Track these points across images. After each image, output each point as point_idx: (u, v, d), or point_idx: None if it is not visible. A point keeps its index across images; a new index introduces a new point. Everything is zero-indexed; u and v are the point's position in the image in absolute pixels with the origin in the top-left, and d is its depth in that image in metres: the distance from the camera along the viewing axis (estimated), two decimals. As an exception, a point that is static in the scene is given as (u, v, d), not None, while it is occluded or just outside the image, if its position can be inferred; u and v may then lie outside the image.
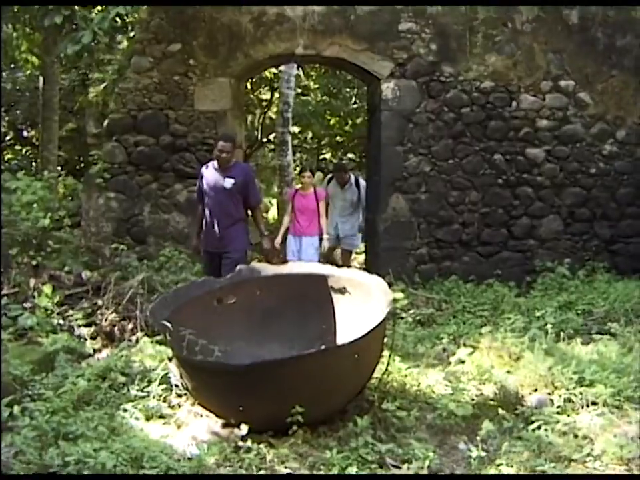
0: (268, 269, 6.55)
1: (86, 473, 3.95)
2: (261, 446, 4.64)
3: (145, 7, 9.57)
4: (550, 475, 4.31)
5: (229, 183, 7.62)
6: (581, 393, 5.46)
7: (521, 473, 4.36)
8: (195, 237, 8.22)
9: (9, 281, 7.92)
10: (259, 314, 6.21)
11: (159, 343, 6.19)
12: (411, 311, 8.59)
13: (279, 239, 9.65)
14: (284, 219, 10.23)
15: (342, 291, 6.15)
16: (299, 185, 10.06)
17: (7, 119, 19.83)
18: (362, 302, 5.87)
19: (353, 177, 10.83)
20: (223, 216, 7.67)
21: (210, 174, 7.80)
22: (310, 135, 20.57)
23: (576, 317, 7.97)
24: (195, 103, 9.65)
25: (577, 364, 5.91)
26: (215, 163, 7.79)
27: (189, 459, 4.46)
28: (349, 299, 6.09)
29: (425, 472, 4.23)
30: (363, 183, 10.77)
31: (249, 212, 7.98)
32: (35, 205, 8.75)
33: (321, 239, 9.77)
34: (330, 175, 11.52)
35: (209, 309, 6.06)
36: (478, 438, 4.78)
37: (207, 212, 7.77)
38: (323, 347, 5.37)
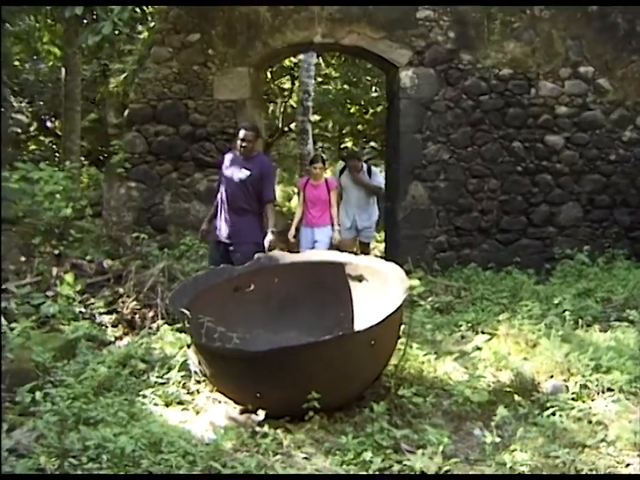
0: (286, 257, 6.61)
1: (84, 474, 4.01)
2: (278, 431, 4.70)
3: (164, -3, 9.65)
4: (548, 475, 4.33)
5: (244, 174, 7.48)
6: (597, 380, 5.47)
7: (535, 458, 4.38)
8: (205, 222, 8.01)
9: (32, 269, 8.04)
10: (276, 302, 6.27)
11: (179, 330, 6.27)
12: (430, 299, 8.57)
13: (292, 231, 9.57)
14: (297, 210, 10.02)
15: (359, 278, 6.19)
16: (311, 175, 9.75)
17: (30, 109, 20.03)
18: (379, 289, 5.92)
19: (365, 166, 10.39)
20: (234, 206, 7.55)
21: (230, 163, 7.71)
22: (330, 123, 20.59)
23: (595, 304, 7.95)
24: (214, 92, 9.72)
25: (594, 351, 5.92)
26: (237, 152, 7.68)
27: (207, 444, 4.52)
28: (366, 287, 6.13)
29: (438, 457, 4.26)
30: (374, 170, 10.40)
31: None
32: (57, 195, 8.87)
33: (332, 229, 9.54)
34: (342, 165, 11.22)
35: (228, 297, 6.12)
36: (492, 424, 4.81)
37: (221, 200, 7.70)
38: (339, 333, 5.43)
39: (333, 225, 9.52)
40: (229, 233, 7.54)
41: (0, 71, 11.87)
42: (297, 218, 9.78)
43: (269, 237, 7.42)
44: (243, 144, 7.47)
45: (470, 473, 4.34)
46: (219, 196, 7.83)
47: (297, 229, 9.73)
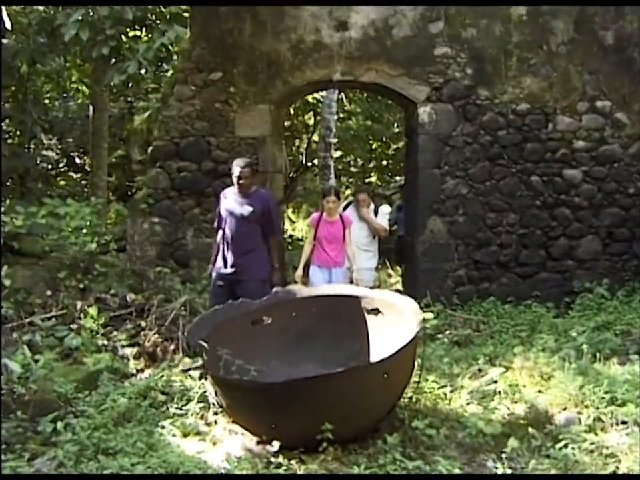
0: (303, 291, 6.72)
1: (83, 474, 4.12)
2: (292, 462, 4.80)
3: (188, 36, 9.89)
4: (550, 475, 4.37)
5: (247, 210, 7.41)
6: (611, 412, 5.50)
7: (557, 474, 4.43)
8: (212, 264, 7.86)
9: (57, 302, 8.23)
10: (293, 334, 6.37)
11: (196, 368, 6.38)
12: (448, 332, 8.68)
13: (300, 271, 9.06)
14: (305, 247, 9.32)
15: (375, 311, 6.29)
16: (324, 211, 9.15)
17: (59, 146, 20.41)
18: (394, 322, 6.00)
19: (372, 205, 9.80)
20: (239, 244, 7.46)
21: (229, 200, 7.63)
22: (353, 158, 20.77)
23: (614, 337, 7.92)
24: (236, 129, 9.90)
25: (610, 383, 5.95)
26: (235, 189, 7.59)
27: (222, 474, 4.62)
28: (381, 320, 6.21)
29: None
30: (383, 209, 9.87)
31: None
32: (83, 230, 9.08)
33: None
34: (347, 201, 10.60)
35: (246, 330, 6.23)
36: (504, 455, 4.85)
37: (224, 239, 7.61)
38: (353, 365, 5.51)
39: (348, 266, 9.00)
40: (236, 270, 7.43)
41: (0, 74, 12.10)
42: (304, 256, 9.15)
43: (277, 275, 7.49)
44: (240, 181, 7.42)
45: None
46: (218, 235, 7.77)
47: (304, 268, 9.14)
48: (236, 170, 7.44)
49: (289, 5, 9.81)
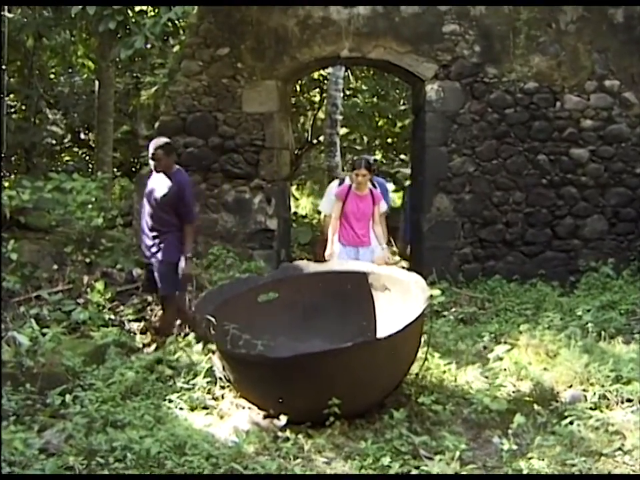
0: (310, 266, 6.74)
1: (83, 474, 4.15)
2: (299, 436, 4.83)
3: (195, 11, 9.85)
4: (547, 475, 4.40)
5: (161, 192, 7.07)
6: (616, 390, 5.53)
7: (552, 466, 4.46)
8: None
9: (63, 277, 8.26)
10: (301, 310, 6.41)
11: (201, 340, 6.43)
12: (454, 310, 8.71)
13: (331, 248, 8.10)
14: (332, 223, 8.29)
15: (381, 288, 6.31)
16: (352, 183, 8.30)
17: (64, 121, 20.37)
18: (401, 299, 6.03)
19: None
20: (152, 226, 7.15)
21: (151, 181, 7.31)
22: (359, 136, 20.71)
23: (619, 316, 7.95)
24: (243, 105, 9.88)
25: (615, 362, 5.98)
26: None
27: (229, 447, 4.65)
28: (388, 296, 6.24)
29: (455, 463, 4.35)
30: (387, 186, 9.34)
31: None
32: (89, 205, 9.08)
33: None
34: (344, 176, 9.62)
35: (253, 305, 6.27)
36: (510, 432, 4.88)
37: (143, 219, 7.33)
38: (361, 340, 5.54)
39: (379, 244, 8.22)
40: (149, 251, 7.19)
41: (1, 71, 12.09)
42: (333, 232, 8.22)
43: (182, 264, 7.03)
44: (154, 162, 7.10)
45: None
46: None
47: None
48: (150, 150, 7.14)
49: (289, 4, 9.76)
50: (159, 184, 7.13)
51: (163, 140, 7.30)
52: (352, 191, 8.22)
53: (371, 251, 8.24)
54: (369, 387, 5.16)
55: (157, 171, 7.14)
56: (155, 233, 7.12)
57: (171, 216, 7.08)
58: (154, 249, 7.12)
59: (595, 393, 5.49)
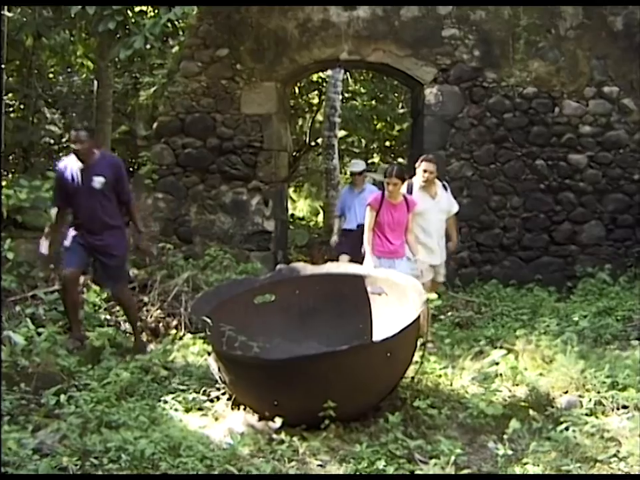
0: (307, 269, 6.73)
1: (81, 474, 4.14)
2: (294, 439, 4.80)
3: (194, 12, 9.84)
4: (547, 475, 4.39)
5: (98, 182, 6.55)
6: (612, 396, 5.51)
7: (547, 472, 4.44)
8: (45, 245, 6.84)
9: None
10: (297, 312, 6.39)
11: (201, 338, 6.43)
12: (450, 314, 8.71)
13: (370, 261, 7.30)
14: (366, 234, 7.51)
15: (378, 291, 6.29)
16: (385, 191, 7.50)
17: (63, 121, 20.33)
18: (397, 302, 6.02)
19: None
20: (97, 222, 6.64)
21: (72, 173, 6.64)
22: (357, 139, 20.71)
23: (615, 322, 7.95)
24: (242, 106, 9.89)
25: (611, 368, 5.97)
26: (75, 158, 6.64)
27: (224, 449, 4.63)
28: (384, 300, 6.22)
29: (450, 467, 4.34)
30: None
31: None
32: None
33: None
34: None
35: (249, 307, 6.25)
36: (505, 437, 4.88)
37: (76, 218, 6.74)
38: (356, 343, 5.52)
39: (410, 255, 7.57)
40: (95, 249, 6.71)
41: (1, 70, 12.05)
42: (369, 244, 7.46)
43: (144, 240, 6.87)
44: (77, 146, 6.51)
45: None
46: (60, 215, 6.87)
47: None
48: (72, 135, 6.60)
49: (290, 5, 9.76)
50: (84, 176, 6.59)
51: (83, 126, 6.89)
52: (385, 199, 7.51)
53: (406, 263, 7.50)
54: (364, 390, 5.14)
55: (82, 160, 6.57)
56: (100, 230, 6.64)
57: (114, 206, 6.69)
58: (99, 247, 6.69)
59: (590, 399, 5.47)
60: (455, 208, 7.97)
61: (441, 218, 7.77)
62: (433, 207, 7.65)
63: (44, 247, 6.81)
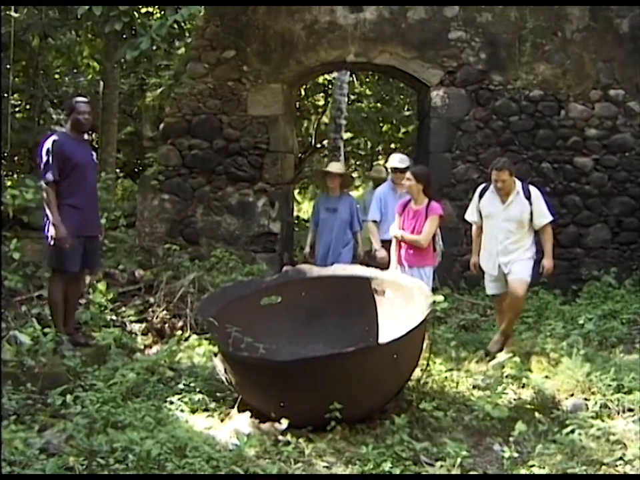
0: (313, 271, 6.73)
1: (81, 474, 4.15)
2: (300, 440, 4.82)
3: (201, 14, 9.85)
4: (547, 475, 4.39)
5: (93, 155, 6.74)
6: (617, 399, 5.52)
7: (552, 474, 4.45)
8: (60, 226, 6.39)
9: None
10: (303, 314, 6.40)
11: (207, 339, 6.44)
12: (455, 316, 8.70)
13: (395, 267, 7.20)
14: (393, 242, 7.34)
15: (384, 293, 6.30)
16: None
17: (68, 122, 20.33)
18: (404, 305, 6.02)
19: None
20: (95, 199, 6.69)
21: (73, 146, 6.56)
22: (363, 141, 20.73)
23: (620, 325, 7.95)
24: (248, 108, 9.89)
25: (617, 371, 5.96)
26: (73, 131, 6.63)
27: (230, 450, 4.64)
28: (391, 302, 6.23)
29: (456, 469, 4.35)
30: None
31: None
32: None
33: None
34: (483, 185, 7.44)
35: (255, 308, 6.26)
36: (511, 439, 4.88)
37: (79, 192, 6.51)
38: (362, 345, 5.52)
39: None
40: (92, 224, 6.65)
41: (0, 69, 12.08)
42: (394, 252, 7.32)
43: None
44: (88, 117, 6.61)
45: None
46: (55, 188, 6.44)
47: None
48: (80, 107, 6.60)
49: (290, 5, 9.77)
50: (83, 149, 6.67)
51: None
52: (410, 204, 7.29)
53: (425, 273, 7.20)
54: (370, 392, 5.14)
55: (83, 130, 6.73)
56: (94, 203, 6.71)
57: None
58: (97, 221, 6.79)
59: (596, 402, 5.48)
60: (543, 220, 7.24)
61: (509, 227, 7.05)
62: (499, 213, 7.05)
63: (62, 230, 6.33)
